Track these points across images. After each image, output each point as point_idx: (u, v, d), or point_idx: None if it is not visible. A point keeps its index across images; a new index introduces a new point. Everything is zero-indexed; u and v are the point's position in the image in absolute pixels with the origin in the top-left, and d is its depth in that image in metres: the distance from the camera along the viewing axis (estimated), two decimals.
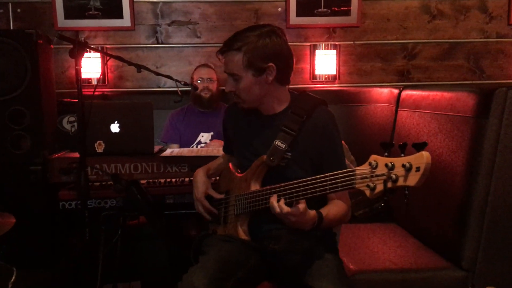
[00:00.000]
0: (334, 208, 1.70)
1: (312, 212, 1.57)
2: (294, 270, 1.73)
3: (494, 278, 1.98)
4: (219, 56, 1.78)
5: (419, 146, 1.25)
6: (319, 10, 3.53)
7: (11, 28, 3.38)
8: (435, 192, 2.13)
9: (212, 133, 3.06)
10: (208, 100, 3.08)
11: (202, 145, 3.03)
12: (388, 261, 2.08)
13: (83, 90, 1.95)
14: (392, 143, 1.33)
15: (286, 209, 1.51)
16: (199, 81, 3.08)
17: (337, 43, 3.60)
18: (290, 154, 1.72)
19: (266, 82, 1.73)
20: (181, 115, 3.15)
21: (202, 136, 3.06)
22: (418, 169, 1.22)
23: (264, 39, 1.69)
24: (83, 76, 2.73)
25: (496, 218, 1.94)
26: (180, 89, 2.37)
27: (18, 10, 3.39)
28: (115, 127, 2.34)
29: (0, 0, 3.36)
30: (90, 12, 3.40)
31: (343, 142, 1.84)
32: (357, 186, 1.37)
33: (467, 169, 1.96)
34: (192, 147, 3.02)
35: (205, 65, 3.23)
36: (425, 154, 1.23)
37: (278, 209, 1.52)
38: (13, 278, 1.60)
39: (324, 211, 1.64)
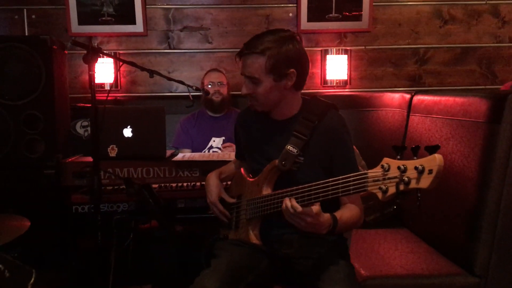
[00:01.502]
0: (348, 212, 1.69)
1: (327, 215, 1.56)
2: (305, 275, 1.73)
3: (507, 284, 1.97)
4: (237, 58, 1.75)
5: (432, 149, 1.25)
6: (330, 15, 3.53)
7: (26, 34, 3.43)
8: (447, 197, 2.11)
9: (223, 137, 3.06)
10: (219, 103, 3.09)
11: (214, 149, 3.04)
12: (400, 266, 2.07)
13: (96, 95, 1.97)
14: (404, 146, 1.33)
15: (299, 208, 1.48)
16: (209, 86, 3.09)
17: (348, 48, 3.60)
18: (302, 158, 1.72)
19: (284, 88, 1.73)
20: (192, 121, 3.17)
21: (214, 141, 3.06)
22: (430, 171, 1.22)
23: (287, 45, 1.68)
24: (96, 81, 2.76)
25: (508, 223, 1.92)
26: (192, 94, 2.39)
27: (33, 16, 3.44)
28: (127, 132, 2.36)
29: (15, 6, 3.42)
30: (103, 18, 3.44)
31: (354, 147, 1.84)
32: (369, 188, 1.36)
33: (479, 174, 1.95)
34: (204, 152, 3.03)
35: (214, 70, 3.24)
36: (437, 156, 1.22)
37: (291, 210, 1.49)
38: (32, 279, 1.62)
39: (338, 214, 1.63)
